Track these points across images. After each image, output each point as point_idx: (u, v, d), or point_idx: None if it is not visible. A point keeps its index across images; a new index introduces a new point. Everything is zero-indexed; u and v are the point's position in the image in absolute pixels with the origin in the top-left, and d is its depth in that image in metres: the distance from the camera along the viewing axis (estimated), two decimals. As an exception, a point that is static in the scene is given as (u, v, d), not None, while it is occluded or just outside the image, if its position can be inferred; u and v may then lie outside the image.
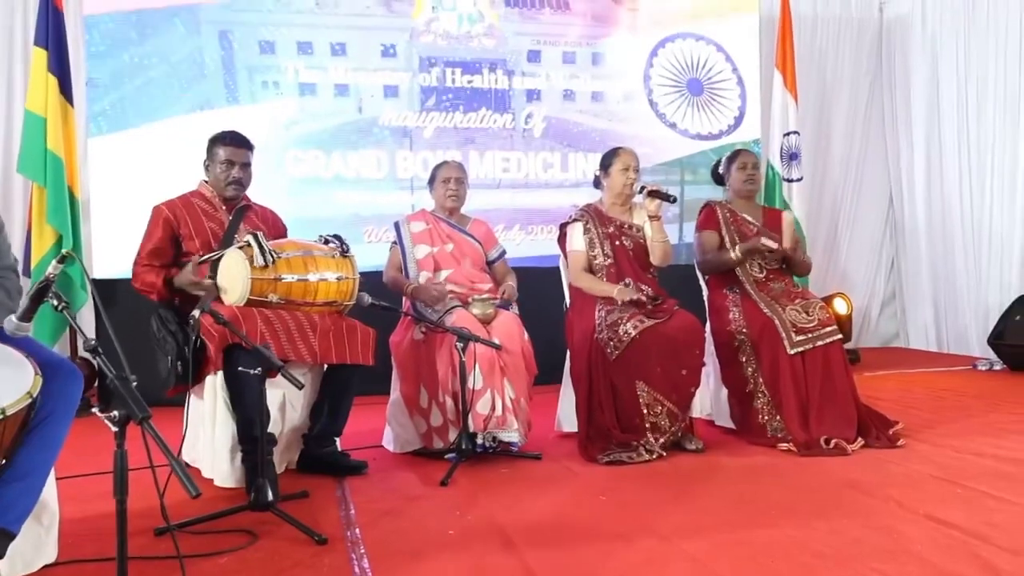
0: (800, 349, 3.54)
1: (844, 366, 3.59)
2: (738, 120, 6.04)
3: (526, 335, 3.50)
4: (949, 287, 6.38)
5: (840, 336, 3.63)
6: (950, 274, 6.36)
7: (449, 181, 3.74)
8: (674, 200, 3.64)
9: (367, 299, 3.24)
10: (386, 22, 5.38)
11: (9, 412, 1.84)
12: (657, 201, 3.59)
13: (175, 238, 3.23)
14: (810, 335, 3.56)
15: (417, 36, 5.43)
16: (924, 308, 6.64)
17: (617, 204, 3.77)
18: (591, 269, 3.70)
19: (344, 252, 3.20)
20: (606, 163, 3.77)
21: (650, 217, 3.64)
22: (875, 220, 6.89)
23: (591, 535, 2.46)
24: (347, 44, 5.30)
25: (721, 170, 4.07)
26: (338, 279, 3.16)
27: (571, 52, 5.71)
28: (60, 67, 4.51)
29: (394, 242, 3.79)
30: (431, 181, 3.82)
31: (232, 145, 3.31)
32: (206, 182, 3.37)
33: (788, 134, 5.83)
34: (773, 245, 3.73)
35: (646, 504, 2.76)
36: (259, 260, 2.97)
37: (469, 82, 5.51)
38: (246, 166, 3.34)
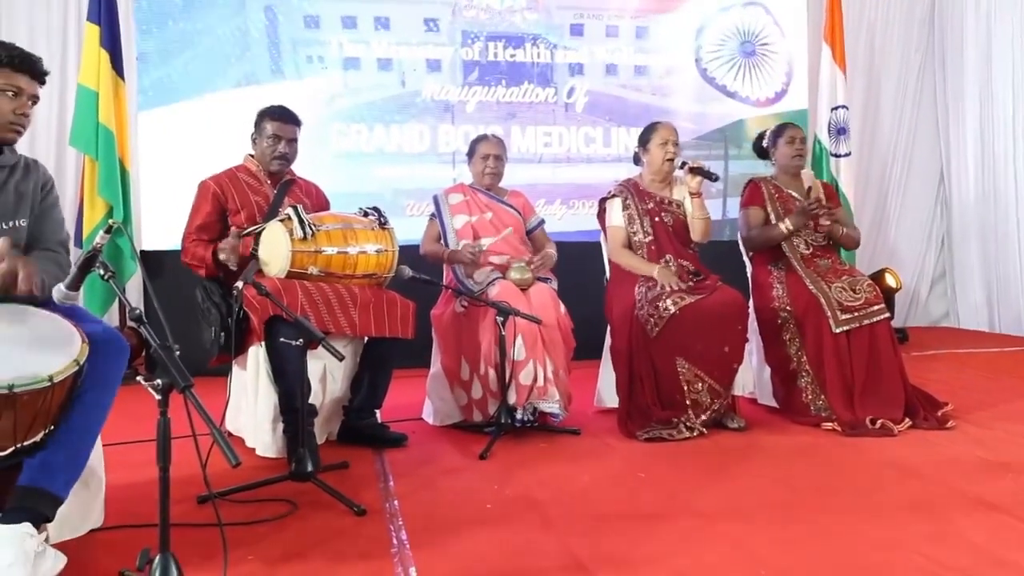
0: (845, 328, 3.46)
1: (892, 345, 3.50)
2: (783, 91, 5.92)
3: (562, 307, 3.48)
4: (1002, 266, 6.20)
5: (888, 315, 3.54)
6: (1003, 253, 6.17)
7: (488, 158, 3.73)
8: (717, 178, 3.59)
9: (408, 272, 3.25)
10: (429, -5, 5.36)
11: (57, 379, 1.87)
12: (699, 178, 3.55)
13: (223, 212, 3.26)
14: (856, 313, 3.48)
15: (460, 10, 5.39)
16: (976, 287, 6.45)
17: (656, 180, 3.72)
18: (630, 245, 3.67)
19: (383, 224, 3.20)
20: (644, 138, 3.73)
21: (691, 194, 3.59)
22: (925, 197, 6.69)
23: (629, 512, 2.45)
24: (390, 18, 5.29)
25: (766, 143, 3.98)
26: (377, 251, 3.17)
27: (614, 25, 5.63)
28: (112, 42, 4.60)
29: (432, 215, 3.79)
30: (470, 154, 3.82)
31: (280, 120, 3.32)
32: (252, 156, 3.39)
33: (836, 108, 5.72)
34: (814, 200, 3.68)
35: (685, 482, 2.73)
36: (299, 232, 2.99)
37: (511, 56, 5.47)
38: (292, 141, 3.35)
